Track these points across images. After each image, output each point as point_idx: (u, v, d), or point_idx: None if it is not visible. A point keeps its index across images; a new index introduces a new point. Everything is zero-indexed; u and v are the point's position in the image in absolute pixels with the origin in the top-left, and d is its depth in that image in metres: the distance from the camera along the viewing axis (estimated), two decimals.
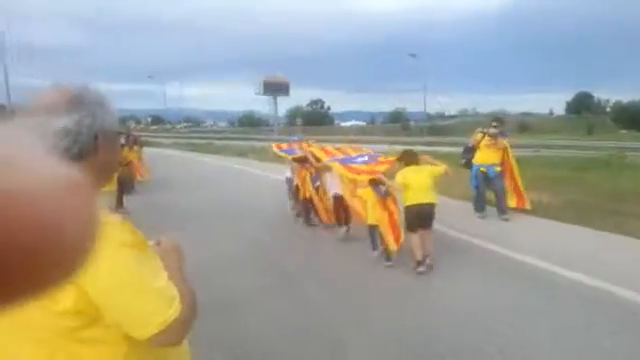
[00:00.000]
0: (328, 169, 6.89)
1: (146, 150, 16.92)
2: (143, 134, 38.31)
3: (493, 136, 7.84)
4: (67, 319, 1.02)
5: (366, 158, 6.64)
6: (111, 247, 1.00)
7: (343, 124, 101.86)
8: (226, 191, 12.04)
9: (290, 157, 8.17)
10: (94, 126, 1.08)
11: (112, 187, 6.54)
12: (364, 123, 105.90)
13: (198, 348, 3.26)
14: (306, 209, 7.85)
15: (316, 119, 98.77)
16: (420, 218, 5.43)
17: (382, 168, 6.16)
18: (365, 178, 5.98)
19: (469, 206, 8.31)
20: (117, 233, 1.03)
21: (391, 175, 5.80)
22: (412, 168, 5.60)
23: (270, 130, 52.32)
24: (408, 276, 5.28)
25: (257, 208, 9.48)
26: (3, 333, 1.09)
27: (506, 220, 7.74)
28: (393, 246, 5.57)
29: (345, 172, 6.33)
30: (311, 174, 7.56)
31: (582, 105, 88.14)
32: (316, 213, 7.73)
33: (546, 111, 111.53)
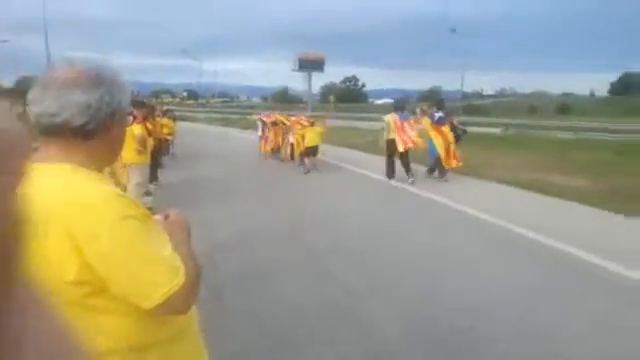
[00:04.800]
0: (291, 128, 12.50)
1: (180, 124, 17.45)
2: (178, 108, 39.07)
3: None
4: (75, 288, 1.02)
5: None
6: (114, 219, 1.02)
7: (377, 102, 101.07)
8: (253, 164, 12.57)
9: (264, 120, 14.27)
10: (112, 103, 1.11)
11: (146, 161, 6.66)
12: None
13: (231, 318, 3.50)
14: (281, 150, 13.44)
15: (350, 96, 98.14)
16: (310, 152, 11.31)
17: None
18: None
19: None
20: (120, 206, 1.05)
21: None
22: (310, 128, 11.62)
23: (303, 107, 52.41)
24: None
25: (278, 178, 10.02)
26: None
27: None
28: (306, 162, 11.47)
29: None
30: (284, 131, 13.10)
31: (627, 86, 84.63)
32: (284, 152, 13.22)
33: (588, 92, 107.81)
